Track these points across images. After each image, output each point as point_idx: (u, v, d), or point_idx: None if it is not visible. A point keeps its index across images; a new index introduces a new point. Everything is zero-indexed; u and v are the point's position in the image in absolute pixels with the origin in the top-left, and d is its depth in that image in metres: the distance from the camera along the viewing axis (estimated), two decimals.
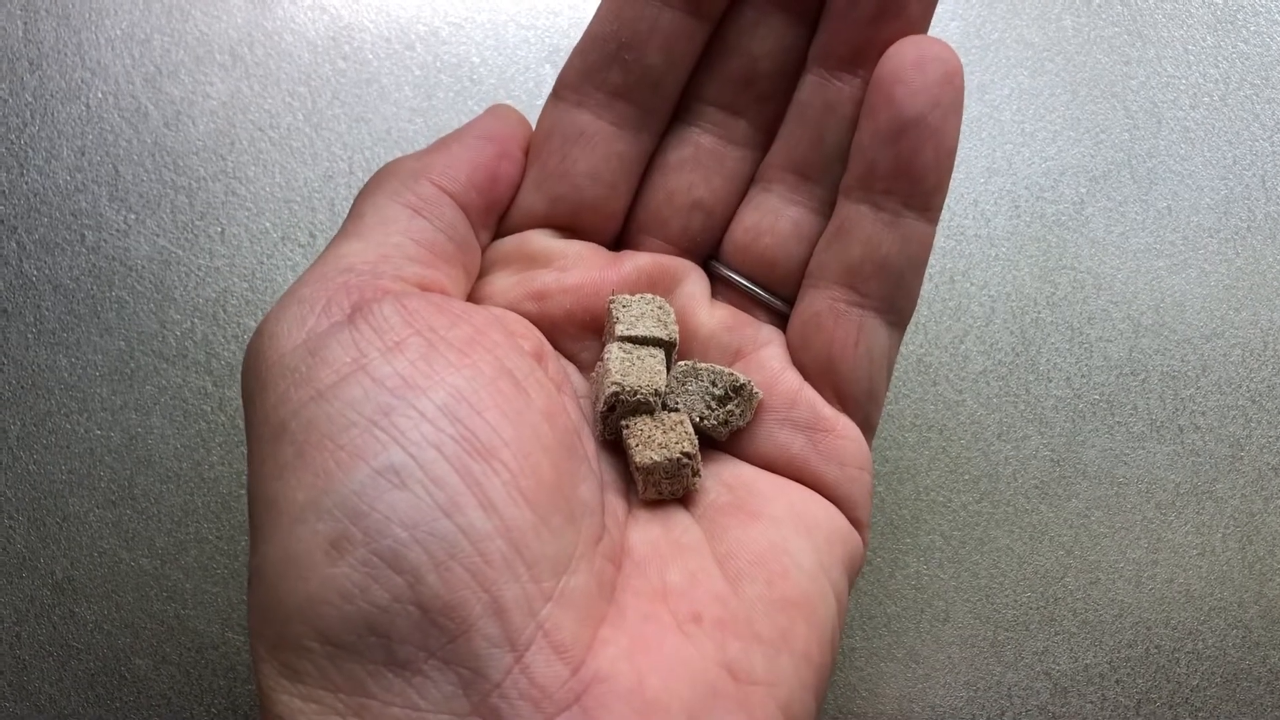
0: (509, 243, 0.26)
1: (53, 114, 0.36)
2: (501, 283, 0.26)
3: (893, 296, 0.25)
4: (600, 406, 0.24)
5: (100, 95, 0.37)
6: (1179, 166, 0.39)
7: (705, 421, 0.25)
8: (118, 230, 0.36)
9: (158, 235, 0.36)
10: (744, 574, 0.23)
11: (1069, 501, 0.37)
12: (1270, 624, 0.36)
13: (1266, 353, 0.38)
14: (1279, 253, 0.39)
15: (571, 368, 0.26)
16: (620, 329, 0.25)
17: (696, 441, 0.24)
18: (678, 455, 0.24)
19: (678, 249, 0.27)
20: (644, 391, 0.24)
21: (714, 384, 0.25)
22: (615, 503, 0.24)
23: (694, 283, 0.27)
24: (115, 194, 0.36)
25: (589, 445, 0.24)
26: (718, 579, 0.23)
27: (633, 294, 0.26)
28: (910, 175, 0.24)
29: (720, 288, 0.27)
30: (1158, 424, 0.37)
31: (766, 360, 0.26)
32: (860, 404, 0.26)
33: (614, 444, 0.25)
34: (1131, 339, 0.38)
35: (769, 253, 0.26)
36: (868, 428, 0.26)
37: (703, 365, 0.25)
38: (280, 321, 0.22)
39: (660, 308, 0.25)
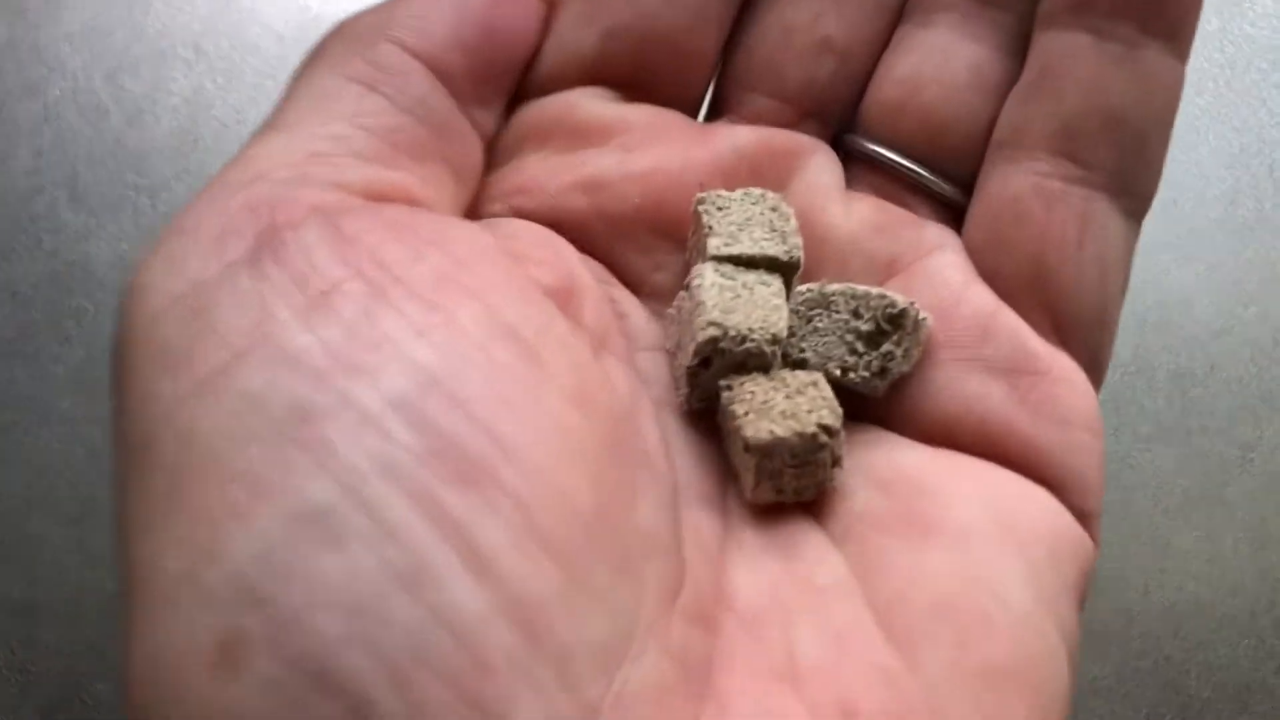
0: (545, 107, 0.19)
1: (8, 113, 0.35)
2: (536, 167, 0.18)
3: (1131, 168, 0.18)
4: (687, 360, 0.17)
5: (58, 93, 0.36)
6: (1184, 156, 0.38)
7: (850, 374, 0.17)
8: (77, 234, 0.35)
9: (119, 239, 0.35)
10: (920, 631, 0.15)
11: None
12: None
13: (1277, 351, 0.37)
14: None
15: (632, 301, 0.18)
16: (715, 244, 0.17)
17: (840, 413, 0.16)
18: (813, 430, 0.16)
19: (796, 113, 0.19)
20: (757, 337, 0.16)
21: (857, 314, 0.17)
22: (702, 520, 0.16)
23: (821, 166, 0.19)
24: (74, 196, 0.35)
25: (651, 431, 0.16)
26: (878, 642, 0.15)
27: (731, 189, 0.18)
28: None
29: (860, 171, 0.19)
30: (1165, 425, 0.36)
31: (938, 271, 0.18)
32: (1087, 332, 0.18)
33: (702, 416, 0.17)
34: (1137, 336, 0.37)
35: (935, 113, 0.19)
36: (1095, 368, 0.18)
37: (837, 287, 0.18)
38: (152, 268, 0.14)
39: (774, 209, 0.18)
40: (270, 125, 0.16)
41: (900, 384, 0.18)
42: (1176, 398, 0.37)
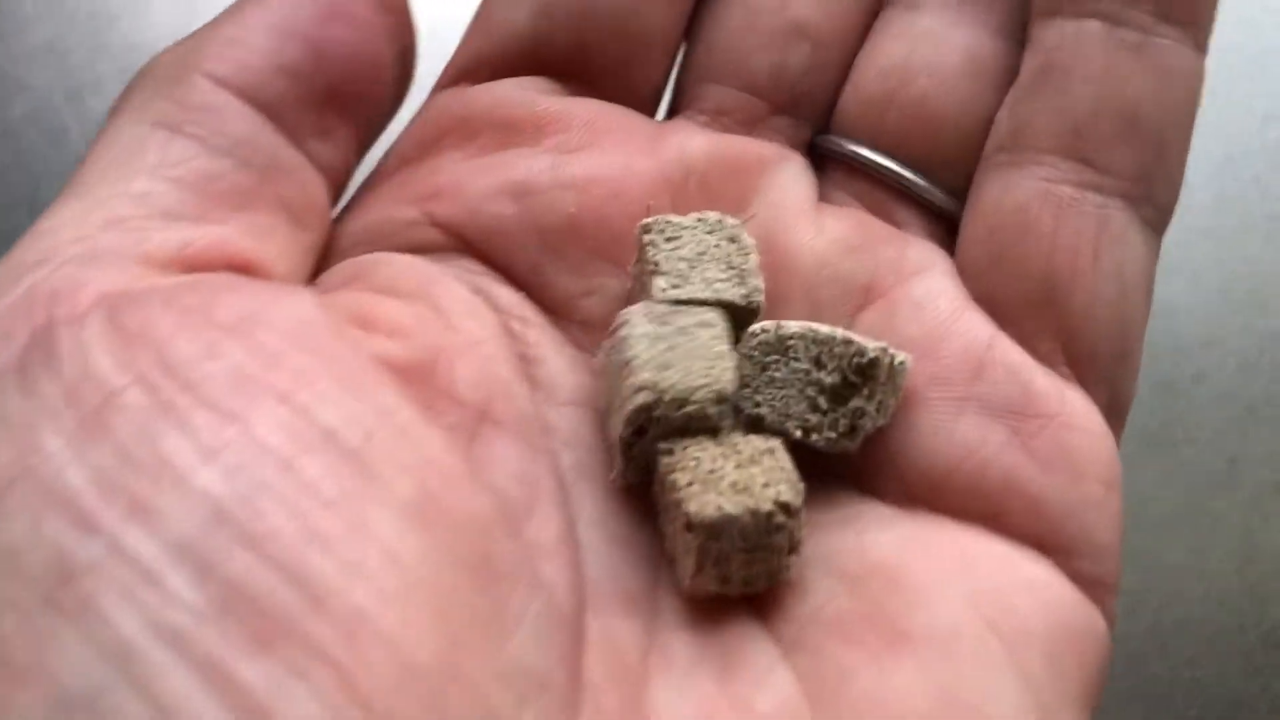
0: (471, 98, 0.16)
1: None
2: (457, 167, 0.16)
3: (1150, 172, 0.16)
4: (619, 429, 0.14)
5: (19, 112, 0.35)
6: None
7: (814, 435, 0.15)
8: None
9: None
10: None
11: None
12: (1271, 649, 0.35)
13: (1263, 360, 0.37)
14: (1275, 255, 0.37)
15: (551, 341, 0.16)
16: (661, 285, 0.15)
17: (802, 488, 0.14)
18: (769, 508, 0.14)
19: (765, 107, 0.17)
20: (700, 397, 0.14)
21: (820, 363, 0.15)
22: (620, 629, 0.14)
23: (790, 179, 0.17)
24: (36, 218, 0.34)
25: (547, 524, 0.14)
26: None
27: (682, 205, 0.16)
28: None
29: (839, 176, 0.17)
30: (1149, 438, 0.36)
31: (924, 297, 0.16)
32: (1104, 364, 0.16)
33: (640, 486, 0.15)
34: None
35: (926, 107, 0.16)
36: (1115, 410, 0.16)
37: (796, 329, 0.15)
38: None
39: (733, 240, 0.15)
40: (66, 190, 0.14)
41: (877, 432, 0.15)
42: (1161, 410, 0.36)
